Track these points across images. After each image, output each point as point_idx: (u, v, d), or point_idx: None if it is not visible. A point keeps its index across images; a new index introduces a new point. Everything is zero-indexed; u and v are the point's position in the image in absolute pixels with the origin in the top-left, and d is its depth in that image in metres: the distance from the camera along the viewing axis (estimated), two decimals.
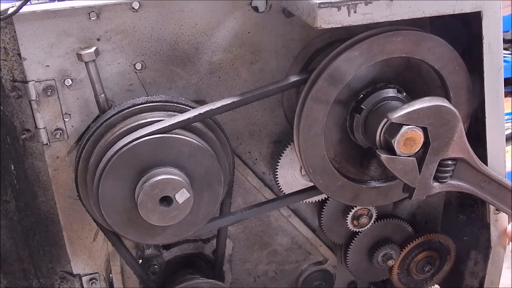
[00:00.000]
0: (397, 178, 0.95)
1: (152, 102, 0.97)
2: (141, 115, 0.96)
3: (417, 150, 0.93)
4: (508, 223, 1.14)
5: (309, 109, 0.94)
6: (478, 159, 0.98)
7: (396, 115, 0.89)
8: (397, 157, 0.92)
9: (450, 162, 0.96)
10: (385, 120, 0.92)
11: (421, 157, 0.94)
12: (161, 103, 0.97)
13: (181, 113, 0.96)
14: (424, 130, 0.91)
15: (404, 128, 0.90)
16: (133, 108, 0.96)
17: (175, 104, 0.98)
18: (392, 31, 0.91)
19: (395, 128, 0.91)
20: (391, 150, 0.93)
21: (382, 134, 0.94)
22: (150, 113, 0.96)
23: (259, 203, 1.13)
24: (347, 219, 1.24)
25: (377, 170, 1.06)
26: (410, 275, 1.34)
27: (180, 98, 1.01)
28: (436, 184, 0.97)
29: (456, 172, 0.98)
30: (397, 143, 0.91)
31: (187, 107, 0.98)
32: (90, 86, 0.98)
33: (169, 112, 0.97)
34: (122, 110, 0.96)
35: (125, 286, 1.23)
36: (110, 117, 0.96)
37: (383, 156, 0.92)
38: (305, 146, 0.97)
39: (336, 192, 1.03)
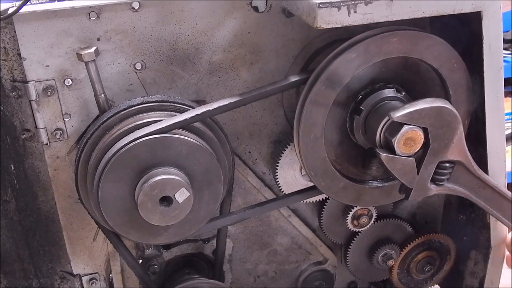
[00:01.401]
0: None
1: (149, 102, 0.97)
2: (138, 116, 0.96)
3: (416, 151, 0.93)
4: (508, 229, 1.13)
5: (308, 113, 0.94)
6: (475, 163, 0.98)
7: (398, 114, 0.89)
8: (397, 157, 0.92)
9: (448, 165, 0.96)
10: (386, 119, 0.92)
11: (420, 158, 0.94)
12: (158, 103, 0.97)
13: (179, 112, 0.96)
14: (425, 130, 0.91)
15: (405, 127, 0.90)
16: (130, 109, 0.96)
17: (172, 104, 0.98)
18: (389, 32, 0.91)
19: (396, 127, 0.91)
20: (391, 150, 0.93)
21: (382, 133, 0.94)
22: (147, 113, 0.96)
23: (260, 202, 1.13)
24: (347, 219, 1.24)
25: (379, 170, 1.06)
26: (410, 275, 1.34)
27: (177, 97, 1.01)
28: (433, 186, 0.97)
29: (453, 175, 0.98)
30: (398, 142, 0.91)
31: (184, 106, 0.98)
32: (90, 86, 0.98)
33: (167, 112, 0.97)
34: (119, 112, 0.96)
35: (125, 286, 1.23)
36: (107, 119, 0.96)
37: (383, 155, 0.92)
38: (306, 149, 0.97)
39: (339, 194, 1.03)
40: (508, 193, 1.02)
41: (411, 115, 0.89)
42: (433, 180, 0.97)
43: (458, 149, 0.95)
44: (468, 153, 0.97)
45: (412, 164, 0.93)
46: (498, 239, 1.15)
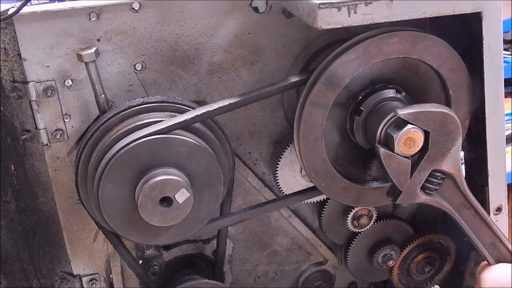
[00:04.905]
0: None
1: (149, 103, 0.97)
2: (138, 116, 0.96)
3: (414, 153, 0.92)
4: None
5: (308, 114, 0.94)
6: (465, 181, 0.98)
7: (405, 112, 0.89)
8: (395, 155, 0.92)
9: (439, 175, 0.96)
10: (391, 115, 0.92)
11: (415, 162, 0.94)
12: (158, 104, 0.97)
13: (179, 113, 0.96)
14: (426, 134, 0.91)
15: (409, 126, 0.90)
16: (130, 110, 0.96)
17: (172, 104, 0.98)
18: (388, 32, 0.91)
19: (399, 124, 0.91)
20: (389, 148, 0.93)
21: (384, 130, 0.94)
22: (147, 114, 0.96)
23: (260, 203, 1.13)
24: (347, 220, 1.24)
25: (379, 170, 1.06)
26: (410, 275, 1.34)
27: (177, 98, 1.01)
28: (421, 193, 0.97)
29: (441, 188, 0.98)
30: (399, 139, 0.90)
31: (184, 107, 0.98)
32: (90, 87, 0.98)
33: (167, 113, 0.97)
34: (119, 112, 0.96)
35: (125, 287, 1.23)
36: (108, 119, 0.96)
37: (382, 150, 0.92)
38: (306, 150, 0.97)
39: (339, 194, 1.03)
40: (489, 219, 1.02)
41: (417, 115, 0.90)
42: (423, 188, 0.97)
43: (452, 162, 0.95)
44: (461, 170, 0.97)
45: (407, 165, 0.93)
46: None
